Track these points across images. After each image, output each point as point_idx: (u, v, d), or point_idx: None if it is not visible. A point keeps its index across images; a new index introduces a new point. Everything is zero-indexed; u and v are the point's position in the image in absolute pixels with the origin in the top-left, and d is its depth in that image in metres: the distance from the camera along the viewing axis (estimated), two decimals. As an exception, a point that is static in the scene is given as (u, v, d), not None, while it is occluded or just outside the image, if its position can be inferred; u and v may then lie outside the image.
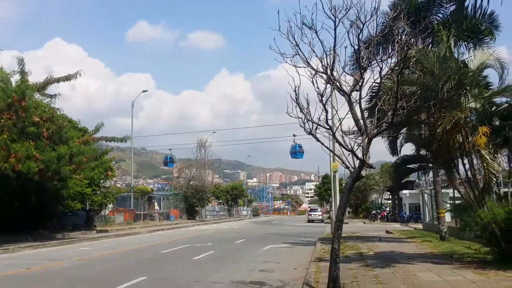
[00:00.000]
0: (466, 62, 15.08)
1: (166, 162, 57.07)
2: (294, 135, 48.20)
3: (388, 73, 9.48)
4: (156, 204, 52.12)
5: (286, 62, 9.06)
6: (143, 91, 50.79)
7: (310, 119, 9.20)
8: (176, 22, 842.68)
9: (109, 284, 10.51)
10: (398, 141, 21.30)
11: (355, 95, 9.13)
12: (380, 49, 16.70)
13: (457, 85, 13.49)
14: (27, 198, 25.37)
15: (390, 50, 10.44)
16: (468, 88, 14.11)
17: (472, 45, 18.06)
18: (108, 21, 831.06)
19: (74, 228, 30.72)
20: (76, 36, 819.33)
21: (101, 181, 32.72)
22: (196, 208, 58.53)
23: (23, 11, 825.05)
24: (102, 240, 25.58)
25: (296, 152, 51.48)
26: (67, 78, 22.57)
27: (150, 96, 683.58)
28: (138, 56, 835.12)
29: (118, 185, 60.32)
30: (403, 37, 9.47)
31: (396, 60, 9.17)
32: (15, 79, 21.74)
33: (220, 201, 79.21)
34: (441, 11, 19.52)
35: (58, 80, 22.43)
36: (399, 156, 21.88)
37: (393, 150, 21.65)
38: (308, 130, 9.28)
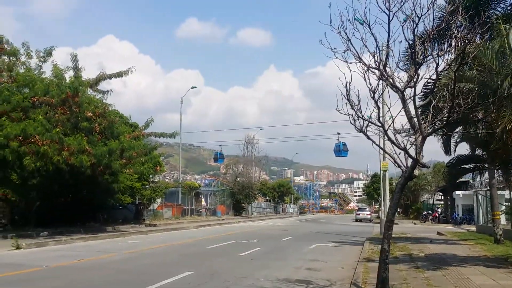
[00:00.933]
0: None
1: (216, 158, 57.64)
2: (338, 133, 47.79)
3: (445, 69, 9.10)
4: (203, 199, 52.76)
5: (337, 57, 8.85)
6: (192, 88, 51.62)
7: (361, 116, 8.95)
8: (225, 19, 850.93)
9: (157, 277, 10.62)
10: (453, 140, 20.62)
11: (409, 91, 8.81)
12: (436, 44, 16.15)
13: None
14: (79, 191, 26.18)
15: (446, 46, 10.04)
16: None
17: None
18: (158, 18, 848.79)
19: (124, 221, 31.52)
20: (127, 33, 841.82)
21: (150, 176, 33.37)
22: (243, 204, 58.84)
23: (75, 7, 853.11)
24: (151, 234, 26.08)
25: (340, 150, 50.99)
26: (119, 74, 23.07)
27: (199, 93, 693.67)
28: (188, 52, 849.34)
29: (167, 180, 61.56)
30: (461, 32, 9.07)
31: (452, 56, 8.78)
32: (69, 75, 22.44)
33: (267, 198, 79.30)
34: (501, 5, 18.66)
35: (110, 77, 22.96)
36: (453, 156, 21.20)
37: (447, 149, 20.96)
38: (359, 127, 9.04)
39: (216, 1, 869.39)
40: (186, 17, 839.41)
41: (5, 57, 21.27)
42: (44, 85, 20.91)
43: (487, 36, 17.35)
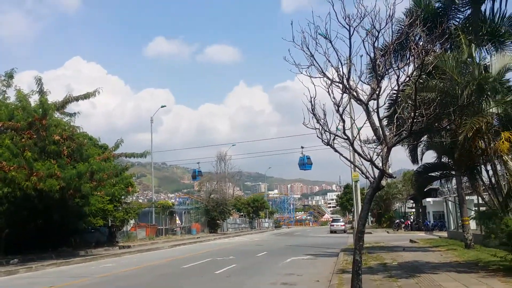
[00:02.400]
0: (487, 67, 14.84)
1: (195, 175, 57.77)
2: (302, 147, 48.60)
3: (406, 80, 9.35)
4: (177, 218, 52.21)
5: (301, 72, 9.02)
6: (162, 106, 51.26)
7: (327, 130, 9.11)
8: (192, 37, 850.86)
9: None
10: (419, 149, 21.02)
11: (372, 104, 9.03)
12: (398, 57, 16.56)
13: (477, 90, 13.28)
14: (49, 216, 25.58)
15: (407, 57, 10.33)
16: (489, 93, 13.87)
17: (493, 49, 17.77)
18: (126, 38, 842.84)
19: (97, 244, 30.92)
20: (95, 54, 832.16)
21: (123, 197, 32.90)
22: (218, 221, 58.49)
23: (41, 27, 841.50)
24: (124, 256, 25.67)
25: (305, 163, 51.69)
26: (86, 96, 22.83)
27: (170, 111, 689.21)
28: (156, 71, 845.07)
29: (140, 201, 60.84)
30: (420, 43, 9.36)
31: (413, 67, 9.05)
32: (34, 99, 22.09)
33: (242, 213, 79.02)
34: (458, 16, 19.31)
35: (77, 99, 22.68)
36: (420, 164, 21.58)
37: (414, 158, 21.36)
38: (326, 141, 9.19)
39: (183, 19, 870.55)
40: (153, 36, 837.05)
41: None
42: (9, 110, 20.56)
43: (448, 46, 17.91)
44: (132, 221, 38.87)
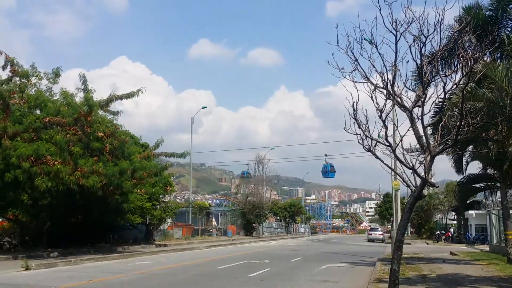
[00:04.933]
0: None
1: (243, 176, 59.00)
2: (325, 155, 48.24)
3: (453, 88, 9.09)
4: (214, 219, 52.62)
5: (344, 77, 8.90)
6: (203, 108, 51.74)
7: (369, 136, 8.94)
8: (236, 40, 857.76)
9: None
10: (464, 159, 20.42)
11: (417, 111, 8.81)
12: (445, 64, 16.13)
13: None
14: (89, 212, 26.21)
15: (455, 65, 10.03)
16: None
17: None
18: (171, 39, 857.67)
19: (134, 241, 31.47)
20: (140, 54, 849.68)
21: (161, 196, 33.39)
22: (254, 224, 58.52)
23: (89, 27, 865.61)
24: (160, 254, 25.98)
25: (328, 171, 51.22)
26: (130, 95, 23.23)
27: (210, 113, 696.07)
28: (199, 73, 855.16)
29: (177, 200, 61.62)
30: (469, 51, 9.07)
31: (461, 75, 8.78)
32: (79, 96, 22.66)
33: (278, 218, 78.83)
34: (509, 25, 18.63)
35: (121, 97, 23.10)
36: (464, 175, 20.96)
37: (459, 168, 20.77)
38: (367, 147, 9.03)
39: (227, 22, 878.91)
40: (198, 38, 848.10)
41: (17, 79, 21.57)
42: (55, 106, 21.15)
43: (498, 55, 17.33)
44: (169, 220, 39.38)
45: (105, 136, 22.00)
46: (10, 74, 21.37)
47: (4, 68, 21.17)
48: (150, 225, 35.40)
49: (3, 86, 21.09)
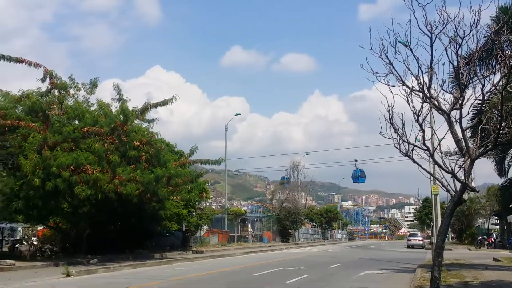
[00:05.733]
0: None
1: (283, 182, 60.90)
2: (355, 160, 47.64)
3: (491, 90, 8.83)
4: (249, 226, 52.65)
5: (379, 81, 8.78)
6: (236, 114, 52.07)
7: (405, 140, 8.77)
8: (268, 46, 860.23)
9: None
10: (506, 162, 19.79)
11: (455, 113, 8.60)
12: (483, 65, 15.72)
13: None
14: (127, 219, 26.65)
15: (493, 65, 9.76)
16: None
17: None
18: (204, 47, 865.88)
19: (171, 248, 31.78)
20: (174, 63, 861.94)
21: (197, 202, 33.63)
22: (289, 230, 58.23)
23: (124, 39, 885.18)
24: (197, 260, 26.14)
25: (358, 176, 50.52)
26: (164, 103, 23.58)
27: (245, 119, 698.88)
28: (232, 80, 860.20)
29: (213, 207, 62.02)
30: (507, 51, 8.80)
31: (500, 76, 8.52)
32: (114, 106, 23.15)
33: (314, 224, 78.26)
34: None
35: (155, 105, 23.48)
36: (507, 178, 20.30)
37: (501, 171, 20.15)
38: (404, 151, 8.85)
39: (259, 28, 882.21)
40: (230, 46, 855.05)
41: (56, 90, 22.24)
42: (92, 116, 21.66)
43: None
44: (205, 227, 39.58)
45: (141, 144, 22.38)
46: (49, 86, 22.02)
47: (43, 80, 21.85)
48: (186, 232, 35.69)
49: (43, 98, 21.77)
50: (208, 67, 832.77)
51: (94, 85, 23.51)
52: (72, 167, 19.69)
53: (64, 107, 22.20)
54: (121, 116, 21.31)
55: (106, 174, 20.21)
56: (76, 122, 22.38)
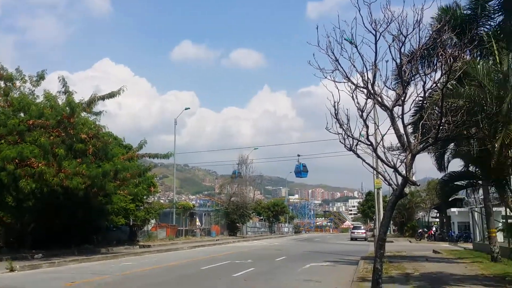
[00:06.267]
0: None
1: (235, 176, 60.59)
2: (298, 155, 48.70)
3: (432, 87, 9.19)
4: (197, 220, 52.47)
5: (326, 77, 8.95)
6: (186, 109, 51.80)
7: (350, 135, 9.00)
8: (218, 41, 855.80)
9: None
10: (446, 157, 20.61)
11: (397, 110, 8.91)
12: (425, 63, 16.29)
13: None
14: (73, 213, 25.97)
15: (434, 63, 10.16)
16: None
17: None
18: (153, 41, 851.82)
19: (118, 243, 31.23)
20: (123, 57, 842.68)
21: (145, 197, 33.19)
22: (237, 224, 58.48)
23: (72, 31, 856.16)
24: (144, 255, 25.84)
25: (300, 171, 51.57)
26: (111, 95, 23.11)
27: (194, 114, 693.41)
28: (182, 74, 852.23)
29: (161, 201, 61.28)
30: (448, 49, 9.18)
31: (441, 73, 8.88)
32: (61, 99, 22.52)
33: (262, 217, 78.91)
34: (489, 23, 18.88)
35: (103, 98, 22.98)
36: (446, 173, 21.13)
37: (440, 166, 20.95)
38: (349, 146, 9.08)
39: (208, 24, 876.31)
40: (180, 40, 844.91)
41: (1, 82, 21.48)
42: (39, 109, 20.98)
43: (478, 53, 17.54)
44: (153, 221, 39.17)
45: (88, 137, 21.86)
46: (-5, 77, 21.22)
47: (-12, 72, 21.02)
48: (133, 226, 35.18)
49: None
50: (157, 61, 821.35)
51: (41, 77, 22.79)
52: (16, 160, 19.22)
53: (10, 99, 21.44)
54: (67, 108, 20.78)
55: (52, 168, 19.68)
56: (22, 114, 21.63)
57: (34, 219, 24.51)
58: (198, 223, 52.25)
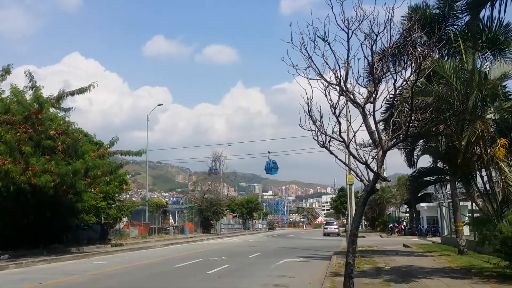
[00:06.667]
0: (486, 73, 14.85)
1: (212, 173, 60.06)
2: (268, 152, 49.08)
3: (403, 84, 9.35)
4: (171, 217, 52.08)
5: (299, 74, 9.00)
6: (158, 105, 51.23)
7: (323, 132, 9.08)
8: (191, 37, 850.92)
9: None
10: (415, 153, 21.00)
11: (369, 107, 9.02)
12: (396, 61, 16.55)
13: (477, 96, 13.31)
14: (42, 212, 25.44)
15: (405, 62, 10.33)
16: (488, 99, 13.90)
17: (492, 56, 17.74)
18: (124, 36, 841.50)
19: (89, 242, 30.77)
20: (93, 51, 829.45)
21: (116, 194, 32.76)
22: (211, 221, 58.38)
23: (41, 24, 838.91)
24: (116, 254, 25.55)
25: (271, 168, 51.99)
26: (81, 90, 22.67)
27: (167, 110, 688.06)
28: (155, 70, 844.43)
29: (134, 199, 60.66)
30: (418, 48, 9.35)
31: (411, 72, 9.04)
32: (28, 95, 21.98)
33: (235, 214, 78.96)
34: (456, 23, 19.29)
35: (72, 93, 22.52)
36: (415, 169, 21.55)
37: (410, 162, 21.34)
38: (322, 143, 9.16)
39: (181, 19, 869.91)
40: (152, 35, 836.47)
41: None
42: (4, 104, 20.46)
43: (446, 52, 17.91)
44: (125, 219, 38.70)
45: (57, 134, 21.43)
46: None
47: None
48: (105, 225, 34.69)
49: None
50: (129, 56, 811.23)
51: (6, 71, 22.17)
52: (-20, 158, 18.55)
53: (-26, 94, 20.79)
54: (35, 104, 20.28)
55: (19, 165, 19.19)
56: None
57: (0, 219, 23.90)
58: (171, 220, 51.89)
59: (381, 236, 48.22)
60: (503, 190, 13.82)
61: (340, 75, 8.87)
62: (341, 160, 9.81)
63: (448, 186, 23.05)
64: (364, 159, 8.94)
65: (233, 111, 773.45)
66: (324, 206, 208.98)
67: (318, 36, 8.81)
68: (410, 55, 8.79)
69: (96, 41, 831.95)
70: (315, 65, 8.93)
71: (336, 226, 58.22)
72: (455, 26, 19.22)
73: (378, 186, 8.74)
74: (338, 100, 9.00)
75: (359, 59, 8.78)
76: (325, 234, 55.12)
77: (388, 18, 8.39)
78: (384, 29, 8.47)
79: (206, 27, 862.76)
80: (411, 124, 8.72)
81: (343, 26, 8.51)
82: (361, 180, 9.18)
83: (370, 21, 8.46)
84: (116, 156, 27.77)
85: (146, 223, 43.11)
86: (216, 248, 29.86)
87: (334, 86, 8.97)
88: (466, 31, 18.26)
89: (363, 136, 9.76)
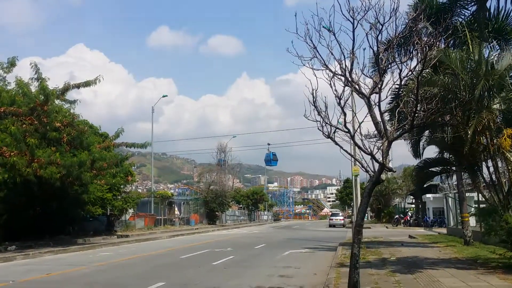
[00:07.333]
0: (494, 64, 14.74)
1: (220, 164, 60.51)
2: (268, 144, 49.15)
3: (408, 75, 9.29)
4: (176, 209, 52.28)
5: (304, 65, 8.95)
6: (163, 96, 51.08)
7: (328, 123, 9.05)
8: (196, 27, 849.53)
9: (127, 290, 10.46)
10: (421, 144, 20.91)
11: (374, 97, 8.98)
12: (401, 51, 16.45)
13: (484, 86, 13.23)
14: (48, 204, 25.59)
15: (410, 51, 10.27)
16: (495, 90, 13.82)
17: (498, 47, 17.64)
18: (129, 27, 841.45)
19: (95, 233, 30.96)
20: (98, 42, 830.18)
21: (122, 186, 32.88)
22: (217, 213, 58.53)
23: (46, 16, 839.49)
24: (122, 245, 25.68)
25: (270, 160, 51.99)
26: (87, 83, 22.68)
27: (172, 101, 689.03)
28: (160, 61, 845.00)
29: (139, 190, 60.95)
30: (424, 38, 9.27)
31: (416, 62, 8.99)
32: (33, 86, 22.04)
33: (241, 205, 79.13)
34: (463, 13, 19.14)
35: (78, 86, 22.54)
36: (421, 159, 21.47)
37: (416, 153, 21.25)
38: (327, 133, 9.13)
39: (186, 9, 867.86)
40: (157, 26, 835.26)
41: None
42: (10, 95, 20.52)
43: (452, 42, 17.79)
44: (130, 211, 38.86)
45: (63, 126, 21.46)
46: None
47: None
48: (111, 216, 34.84)
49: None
50: (134, 47, 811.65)
51: (12, 63, 22.20)
52: (-14, 149, 18.66)
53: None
54: (41, 95, 20.31)
55: (25, 157, 19.26)
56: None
57: (7, 210, 24.05)
58: (177, 212, 52.09)
59: (386, 227, 48.25)
60: (509, 180, 13.77)
61: (345, 65, 8.82)
62: (346, 151, 9.78)
63: (454, 177, 22.98)
64: (369, 150, 8.91)
65: (238, 102, 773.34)
66: (329, 198, 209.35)
67: (323, 26, 8.76)
68: (416, 45, 8.72)
69: (101, 32, 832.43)
70: (320, 55, 8.89)
71: (341, 217, 58.26)
72: (462, 16, 19.08)
73: (383, 176, 8.67)
74: (343, 91, 8.96)
75: (364, 49, 8.74)
76: (331, 225, 55.20)
77: (393, 8, 8.32)
78: (390, 19, 8.40)
79: (210, 17, 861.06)
80: (416, 115, 8.67)
81: (348, 16, 8.45)
82: (367, 171, 9.15)
83: (375, 11, 8.39)
84: (121, 148, 27.86)
85: (152, 215, 43.29)
86: (221, 240, 29.96)
87: (339, 76, 8.92)
88: (473, 21, 18.13)
89: (368, 126, 9.72)
